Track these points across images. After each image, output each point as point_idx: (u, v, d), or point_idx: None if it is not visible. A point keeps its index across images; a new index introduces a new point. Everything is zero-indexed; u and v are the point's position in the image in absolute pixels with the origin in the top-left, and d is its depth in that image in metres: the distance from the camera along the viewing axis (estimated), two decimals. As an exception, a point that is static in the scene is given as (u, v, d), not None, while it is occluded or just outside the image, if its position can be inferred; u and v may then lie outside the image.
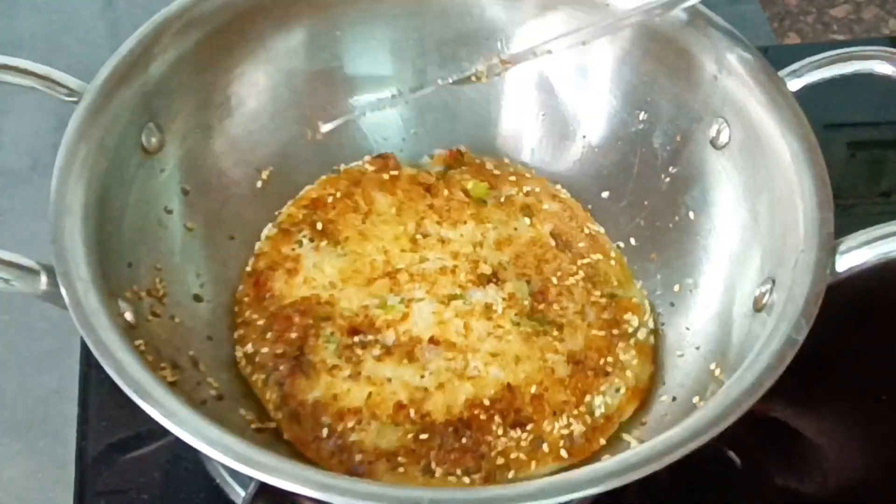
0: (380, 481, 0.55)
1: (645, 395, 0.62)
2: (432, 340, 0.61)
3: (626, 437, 0.59)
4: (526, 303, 0.63)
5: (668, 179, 0.68)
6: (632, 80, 0.70)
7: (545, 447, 0.58)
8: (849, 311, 0.61)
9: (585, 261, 0.67)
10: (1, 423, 0.68)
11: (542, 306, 0.64)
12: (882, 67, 0.61)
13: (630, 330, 0.64)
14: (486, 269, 0.65)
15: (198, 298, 0.63)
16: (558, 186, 0.72)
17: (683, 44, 0.66)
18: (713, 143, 0.66)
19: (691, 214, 0.66)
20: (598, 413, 0.59)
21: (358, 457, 0.56)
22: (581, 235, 0.68)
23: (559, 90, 0.72)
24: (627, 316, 0.64)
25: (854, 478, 0.65)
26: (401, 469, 0.56)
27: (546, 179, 0.72)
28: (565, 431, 0.58)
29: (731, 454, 0.65)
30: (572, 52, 0.70)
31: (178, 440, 0.47)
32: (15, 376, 0.70)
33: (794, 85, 0.62)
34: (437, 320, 0.62)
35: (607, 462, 0.47)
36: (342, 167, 0.71)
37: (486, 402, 0.58)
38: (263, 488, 0.48)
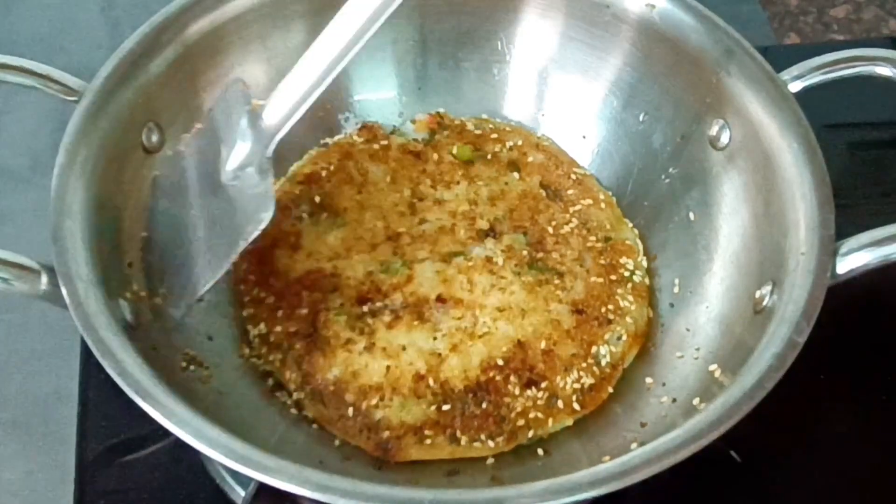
0: (409, 456, 0.57)
1: (644, 340, 0.64)
2: (439, 299, 0.62)
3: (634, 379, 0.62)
4: (525, 253, 0.65)
5: (667, 180, 0.68)
6: (632, 81, 0.70)
7: (560, 403, 0.60)
8: (849, 311, 0.61)
9: (577, 207, 0.68)
10: (1, 423, 0.68)
11: (540, 255, 0.65)
12: (883, 70, 0.61)
13: (626, 274, 0.65)
14: (483, 225, 0.66)
15: (198, 298, 0.62)
16: (539, 134, 0.73)
17: (683, 44, 0.66)
18: (713, 143, 0.66)
19: (691, 215, 0.66)
20: (604, 363, 0.61)
21: (385, 433, 0.57)
22: (569, 182, 0.70)
23: (559, 91, 0.72)
24: (623, 259, 0.66)
25: (855, 477, 0.65)
26: (428, 441, 0.57)
27: (526, 130, 0.73)
28: (577, 385, 0.60)
29: (733, 454, 0.65)
30: (573, 53, 0.71)
31: (178, 440, 0.47)
32: (15, 376, 0.70)
33: (795, 87, 0.63)
34: (441, 278, 0.63)
35: (610, 464, 0.47)
36: (330, 141, 0.71)
37: (500, 363, 0.60)
38: (263, 488, 0.48)
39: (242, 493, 0.61)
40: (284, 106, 0.57)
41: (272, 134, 0.58)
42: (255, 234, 0.56)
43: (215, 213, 0.59)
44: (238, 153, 0.58)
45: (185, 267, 0.59)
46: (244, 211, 0.57)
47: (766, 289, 0.57)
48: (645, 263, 0.67)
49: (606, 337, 0.62)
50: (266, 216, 0.56)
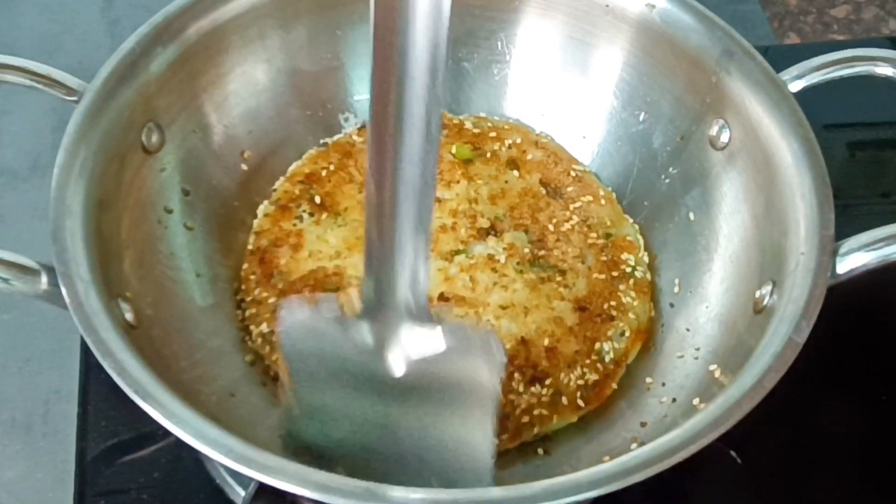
0: None
1: (647, 335, 0.64)
2: (442, 297, 0.62)
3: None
4: (526, 250, 0.65)
5: (668, 180, 0.68)
6: (632, 81, 0.70)
7: (564, 400, 0.60)
8: (849, 311, 0.61)
9: (577, 205, 0.69)
10: (1, 423, 0.68)
11: (542, 253, 0.66)
12: (883, 70, 0.61)
13: (628, 270, 0.65)
14: (483, 223, 0.66)
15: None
16: (538, 132, 0.73)
17: (683, 44, 0.66)
18: (713, 143, 0.66)
19: (691, 215, 0.66)
20: (607, 359, 0.62)
21: None
22: (569, 179, 0.70)
23: (559, 91, 0.72)
24: (624, 256, 0.66)
25: (855, 477, 0.65)
26: None
27: (524, 127, 0.73)
28: (581, 382, 0.60)
29: (733, 454, 0.65)
30: (573, 53, 0.71)
31: (178, 440, 0.47)
32: (15, 376, 0.70)
33: (795, 86, 0.63)
34: (443, 277, 0.63)
35: (609, 464, 0.47)
36: (329, 141, 0.71)
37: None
38: (263, 488, 0.48)
39: (242, 493, 0.61)
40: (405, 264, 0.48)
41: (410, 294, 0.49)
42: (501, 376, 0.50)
43: (415, 405, 0.51)
44: (394, 350, 0.50)
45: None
46: (464, 374, 0.49)
47: (766, 289, 0.57)
48: (646, 259, 0.67)
49: (609, 333, 0.62)
50: (500, 356, 0.49)
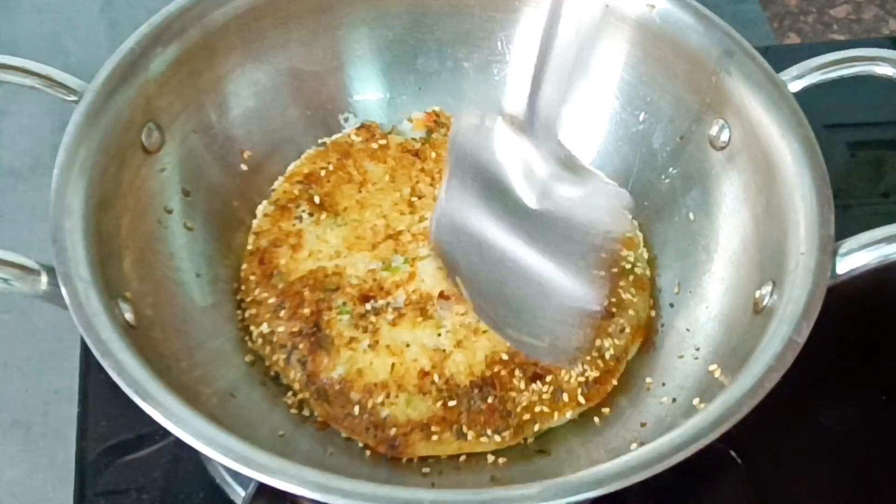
0: (416, 452, 0.58)
1: (647, 331, 0.64)
2: (442, 296, 0.62)
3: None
4: None
5: (667, 180, 0.68)
6: (632, 81, 0.70)
7: (565, 397, 0.60)
8: (849, 311, 0.61)
9: None
10: (1, 423, 0.68)
11: None
12: (883, 70, 0.62)
13: (627, 266, 0.65)
14: None
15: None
16: None
17: (683, 44, 0.66)
18: (713, 143, 0.66)
19: (691, 215, 0.66)
20: (608, 356, 0.62)
21: (392, 430, 0.58)
22: None
23: (559, 90, 0.72)
24: (624, 252, 0.66)
25: (855, 478, 0.65)
26: (435, 437, 0.58)
27: None
28: (581, 379, 0.60)
29: (733, 454, 0.65)
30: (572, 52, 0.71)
31: (178, 440, 0.47)
32: (15, 376, 0.70)
33: (795, 86, 0.63)
34: (443, 275, 0.63)
35: (610, 464, 0.47)
36: (328, 141, 0.71)
37: (505, 357, 0.60)
38: (263, 488, 0.48)
39: (242, 493, 0.61)
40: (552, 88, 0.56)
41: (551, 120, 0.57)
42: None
43: (543, 239, 0.58)
44: (534, 170, 0.57)
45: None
46: (588, 215, 0.58)
47: (766, 289, 0.57)
48: (645, 255, 0.67)
49: (609, 330, 0.62)
50: (627, 198, 0.58)
